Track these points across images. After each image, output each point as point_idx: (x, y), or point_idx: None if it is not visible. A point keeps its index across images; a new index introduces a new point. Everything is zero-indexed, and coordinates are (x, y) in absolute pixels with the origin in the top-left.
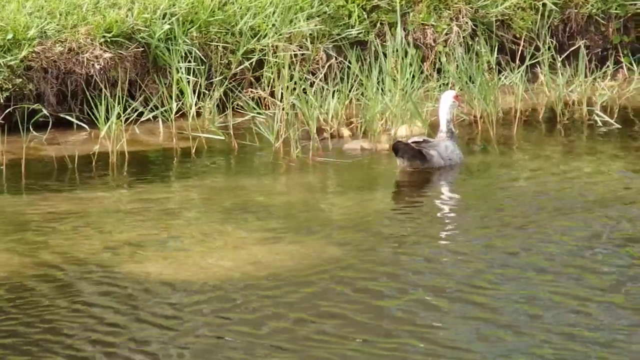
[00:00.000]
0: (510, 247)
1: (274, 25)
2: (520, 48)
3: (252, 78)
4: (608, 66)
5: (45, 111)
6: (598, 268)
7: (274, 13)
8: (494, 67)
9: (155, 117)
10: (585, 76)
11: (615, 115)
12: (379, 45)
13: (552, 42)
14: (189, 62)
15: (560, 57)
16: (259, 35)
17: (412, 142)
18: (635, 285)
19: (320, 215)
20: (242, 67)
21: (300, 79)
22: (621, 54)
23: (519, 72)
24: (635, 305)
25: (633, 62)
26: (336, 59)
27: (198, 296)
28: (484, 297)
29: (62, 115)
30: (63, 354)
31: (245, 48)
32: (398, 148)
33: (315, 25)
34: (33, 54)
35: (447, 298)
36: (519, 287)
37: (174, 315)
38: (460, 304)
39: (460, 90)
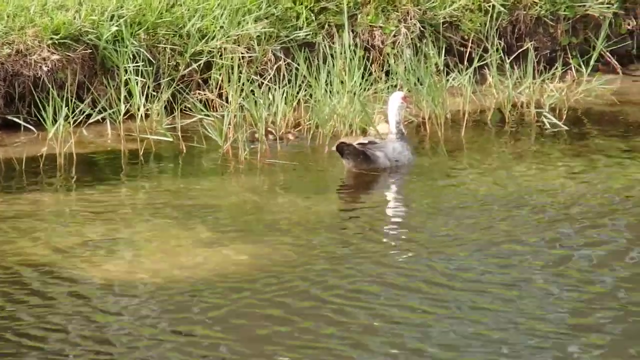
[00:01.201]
0: (455, 247)
1: (221, 27)
2: (469, 50)
3: (200, 80)
4: (557, 68)
5: None
6: (543, 270)
7: (221, 15)
8: (442, 68)
9: (103, 119)
10: (534, 78)
11: (564, 117)
12: (327, 47)
13: (500, 43)
14: (137, 63)
15: (509, 58)
16: (207, 38)
17: (358, 144)
18: (578, 279)
19: (268, 218)
20: (190, 69)
21: (249, 81)
22: (570, 56)
23: (467, 73)
24: (575, 302)
25: (581, 63)
26: (284, 60)
27: (143, 299)
28: (432, 295)
29: (9, 117)
30: (6, 355)
31: (193, 50)
32: (342, 149)
33: (263, 27)
34: None
35: (396, 299)
36: (465, 283)
37: (116, 317)
38: (409, 304)
39: (409, 91)
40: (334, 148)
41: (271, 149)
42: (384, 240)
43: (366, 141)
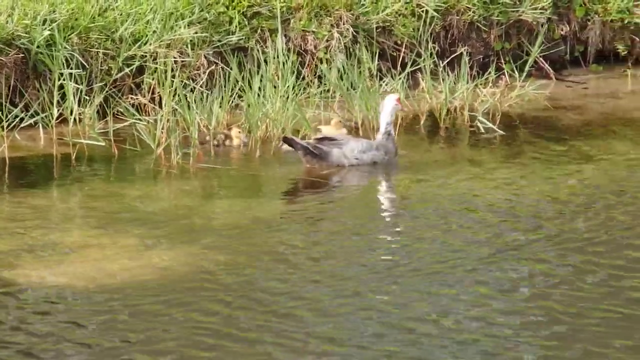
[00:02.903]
0: (384, 249)
1: (154, 31)
2: (402, 54)
3: (132, 84)
4: (490, 73)
5: None
6: (478, 274)
7: (154, 19)
8: (375, 73)
9: (36, 123)
10: (467, 83)
11: (497, 122)
12: (260, 52)
13: (434, 48)
14: (70, 68)
15: (442, 63)
16: (139, 42)
17: (314, 139)
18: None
19: (200, 222)
20: (122, 73)
21: (182, 85)
22: (503, 61)
23: (400, 78)
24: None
25: (515, 68)
26: (217, 65)
27: (73, 303)
28: (366, 297)
29: None
30: None
31: (125, 54)
32: (288, 143)
33: (196, 32)
34: None
35: (331, 303)
36: (392, 286)
37: (41, 320)
38: (345, 310)
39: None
40: (283, 143)
41: (215, 152)
42: (313, 243)
43: (322, 137)
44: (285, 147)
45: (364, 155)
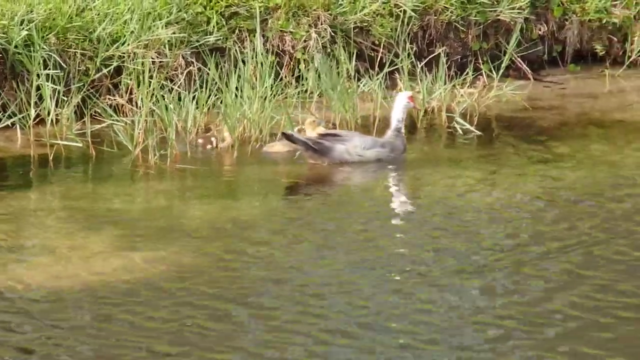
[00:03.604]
0: (358, 252)
1: (132, 32)
2: (380, 55)
3: (110, 85)
4: (467, 73)
5: None
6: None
7: (132, 20)
8: (353, 74)
9: (13, 124)
10: (445, 83)
11: (475, 123)
12: (238, 52)
13: (411, 48)
14: (48, 68)
15: (420, 64)
16: (117, 42)
17: (319, 135)
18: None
19: (176, 222)
20: (100, 73)
21: (159, 85)
22: (481, 61)
23: (377, 79)
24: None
25: (492, 69)
26: (195, 65)
27: (48, 303)
28: (327, 296)
29: None
30: None
31: (103, 55)
32: (288, 138)
33: (174, 33)
34: None
35: (304, 308)
36: (365, 286)
37: (20, 320)
38: (320, 311)
39: (409, 93)
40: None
41: (182, 153)
42: (291, 243)
43: (326, 132)
44: (267, 147)
45: (367, 152)
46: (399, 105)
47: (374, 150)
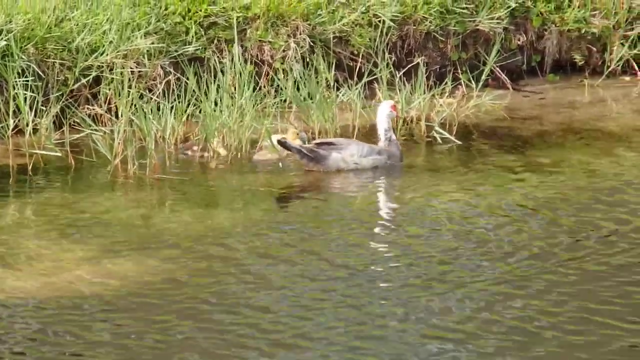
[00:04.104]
0: (334, 258)
1: (111, 42)
2: (359, 65)
3: (89, 95)
4: (447, 83)
5: None
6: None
7: (111, 30)
8: (332, 84)
9: None
10: (424, 93)
11: (454, 132)
12: (217, 62)
13: (390, 58)
14: (26, 78)
15: (399, 73)
16: (96, 52)
17: (315, 142)
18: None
19: (156, 232)
20: (79, 83)
21: (138, 95)
22: (460, 71)
23: (356, 88)
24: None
25: (471, 78)
26: (174, 75)
27: (26, 312)
28: (311, 300)
29: None
30: None
31: (82, 65)
32: (283, 146)
33: (153, 43)
34: None
35: (288, 311)
36: (341, 295)
37: None
38: (299, 321)
39: (396, 101)
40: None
41: (161, 162)
42: (270, 252)
43: (322, 140)
44: (257, 156)
45: (364, 160)
46: (382, 115)
47: (371, 158)
